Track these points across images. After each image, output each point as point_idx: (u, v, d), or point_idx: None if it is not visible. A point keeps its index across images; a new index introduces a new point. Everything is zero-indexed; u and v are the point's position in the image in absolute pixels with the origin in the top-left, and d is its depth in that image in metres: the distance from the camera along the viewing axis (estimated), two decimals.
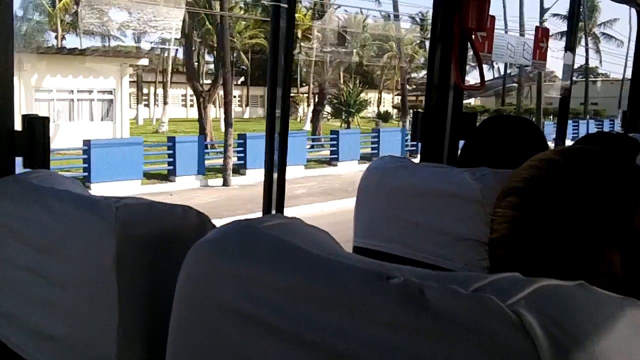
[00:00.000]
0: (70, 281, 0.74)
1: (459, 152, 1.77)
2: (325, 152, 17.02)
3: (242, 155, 14.04)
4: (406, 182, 1.42)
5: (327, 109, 25.96)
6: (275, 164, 1.85)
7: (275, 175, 1.85)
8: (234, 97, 36.56)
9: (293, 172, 13.09)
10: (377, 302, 0.44)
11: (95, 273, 0.70)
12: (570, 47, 2.99)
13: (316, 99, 24.26)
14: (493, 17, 2.15)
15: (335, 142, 16.25)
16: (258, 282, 0.51)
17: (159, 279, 0.70)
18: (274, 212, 1.76)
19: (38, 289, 0.78)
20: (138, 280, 0.69)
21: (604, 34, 38.22)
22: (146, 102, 33.82)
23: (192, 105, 33.31)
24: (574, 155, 0.63)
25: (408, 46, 37.34)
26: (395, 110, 37.67)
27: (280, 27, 1.76)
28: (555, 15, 35.89)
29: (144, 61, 24.17)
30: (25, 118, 1.06)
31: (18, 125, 1.07)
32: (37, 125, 1.06)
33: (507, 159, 1.34)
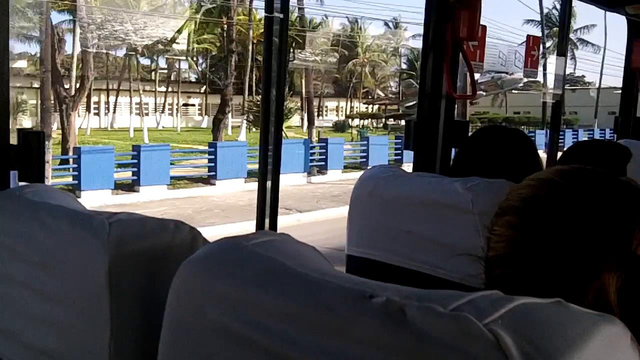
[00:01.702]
0: (64, 297, 0.75)
1: (452, 161, 1.79)
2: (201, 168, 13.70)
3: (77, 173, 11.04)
4: (398, 192, 1.43)
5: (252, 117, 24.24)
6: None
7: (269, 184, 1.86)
8: (192, 105, 35.62)
9: (151, 193, 11.49)
10: (359, 321, 0.45)
11: (87, 289, 0.71)
12: (561, 53, 3.01)
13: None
14: (484, 27, 2.17)
15: (213, 157, 13.20)
16: (245, 301, 0.52)
17: (151, 294, 0.71)
18: (267, 222, 1.77)
19: (32, 304, 0.79)
20: (130, 296, 0.70)
21: (580, 39, 37.27)
22: (96, 111, 33.04)
23: (147, 114, 32.33)
24: (572, 176, 0.64)
25: (376, 53, 36.85)
26: (363, 120, 36.64)
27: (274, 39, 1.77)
28: (529, 21, 35.37)
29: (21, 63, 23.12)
30: (21, 132, 1.07)
31: (13, 140, 1.08)
32: (32, 139, 1.07)
33: (499, 169, 1.36)
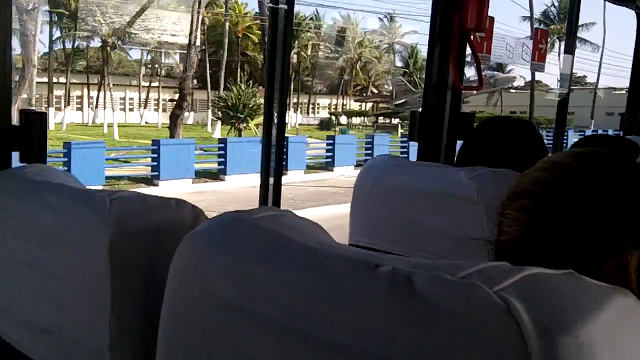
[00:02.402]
0: (64, 274, 0.74)
1: (457, 153, 1.77)
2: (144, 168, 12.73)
3: None
4: (402, 181, 1.42)
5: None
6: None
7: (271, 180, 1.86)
8: (173, 100, 35.28)
9: None
10: (365, 291, 0.44)
11: (88, 266, 0.70)
12: (569, 51, 2.99)
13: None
14: (492, 18, 2.16)
15: (156, 155, 12.18)
16: (249, 274, 0.52)
17: (152, 272, 0.70)
18: None
19: (32, 282, 0.78)
20: (131, 273, 0.70)
21: (578, 37, 36.76)
22: (79, 106, 32.61)
23: (131, 109, 31.91)
24: (588, 158, 0.62)
25: (368, 49, 36.13)
26: (356, 118, 35.88)
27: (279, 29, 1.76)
28: (526, 18, 34.45)
29: None
30: (23, 113, 1.07)
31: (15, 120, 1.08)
32: (35, 120, 1.07)
33: (505, 161, 1.34)
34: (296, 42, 32.43)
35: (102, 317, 0.69)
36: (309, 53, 33.64)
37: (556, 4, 36.97)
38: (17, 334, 0.82)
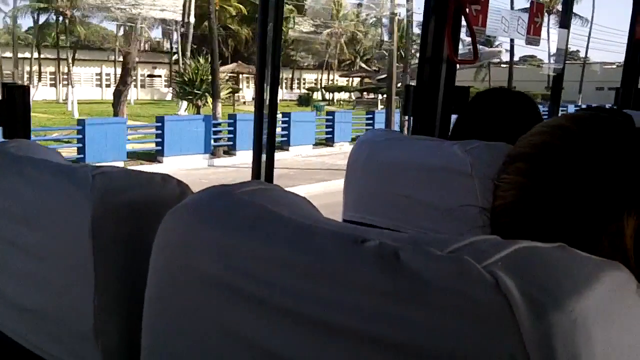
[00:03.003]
0: (47, 252, 0.72)
1: (451, 126, 1.75)
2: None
3: None
4: (396, 156, 1.40)
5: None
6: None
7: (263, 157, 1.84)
8: (159, 76, 33.94)
9: None
10: (352, 266, 0.43)
11: (71, 243, 0.68)
12: (564, 25, 2.96)
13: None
14: None
15: (81, 136, 11.28)
16: (234, 249, 0.50)
17: (136, 248, 0.68)
18: None
19: (14, 261, 0.76)
20: (114, 250, 0.68)
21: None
22: (52, 82, 31.77)
23: (108, 85, 30.94)
24: (586, 122, 0.61)
25: (353, 23, 35.29)
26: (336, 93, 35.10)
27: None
28: None
29: None
30: (5, 86, 1.04)
31: None
32: (17, 94, 1.04)
33: (502, 133, 1.32)
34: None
35: (86, 295, 0.67)
36: (289, 26, 32.98)
37: None
38: (0, 314, 0.80)
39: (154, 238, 0.58)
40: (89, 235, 0.66)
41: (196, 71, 17.45)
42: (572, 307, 0.36)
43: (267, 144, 1.81)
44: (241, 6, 32.77)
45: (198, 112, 16.66)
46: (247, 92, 32.97)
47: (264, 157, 1.83)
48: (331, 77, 38.50)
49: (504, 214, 0.62)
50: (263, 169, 1.80)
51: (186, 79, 17.42)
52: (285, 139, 15.12)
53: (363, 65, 38.12)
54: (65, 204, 0.69)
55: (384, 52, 35.77)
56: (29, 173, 0.77)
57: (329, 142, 16.44)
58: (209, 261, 0.51)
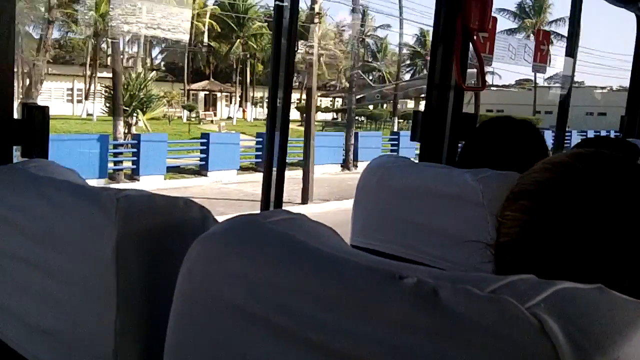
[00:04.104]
0: (68, 273, 0.72)
1: (458, 153, 1.76)
2: None
3: None
4: (406, 182, 1.40)
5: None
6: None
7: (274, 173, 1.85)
8: None
9: None
10: (389, 302, 0.42)
11: (94, 265, 0.69)
12: (570, 54, 2.98)
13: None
14: (495, 18, 2.15)
15: None
16: (263, 279, 0.50)
17: (159, 273, 0.68)
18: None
19: (34, 282, 0.76)
20: (137, 274, 0.68)
21: (555, 32, 34.22)
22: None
23: (79, 101, 30.11)
24: (588, 159, 0.61)
25: (332, 42, 34.54)
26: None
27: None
28: (501, 10, 33.45)
29: None
30: (25, 106, 1.05)
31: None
32: (37, 114, 1.05)
33: (508, 161, 1.33)
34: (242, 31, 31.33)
35: (107, 319, 0.67)
36: (263, 44, 32.39)
37: None
38: (16, 335, 0.80)
39: (177, 263, 0.58)
40: (112, 259, 0.66)
41: (126, 85, 15.96)
42: (617, 355, 0.36)
43: (277, 164, 1.82)
44: (214, 22, 32.55)
45: (129, 131, 15.15)
46: (225, 110, 32.53)
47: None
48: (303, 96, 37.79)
49: (508, 251, 0.62)
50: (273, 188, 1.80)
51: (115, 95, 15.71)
52: (203, 163, 13.52)
53: (347, 84, 37.70)
54: (89, 226, 0.70)
55: (359, 72, 35.64)
56: (51, 194, 0.77)
57: (258, 166, 14.49)
58: (237, 291, 0.51)
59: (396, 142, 19.06)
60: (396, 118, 28.91)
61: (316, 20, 13.40)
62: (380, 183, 1.45)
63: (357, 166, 16.99)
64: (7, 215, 0.82)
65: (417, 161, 1.78)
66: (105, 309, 0.67)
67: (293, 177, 13.18)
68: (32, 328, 0.76)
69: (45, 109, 1.05)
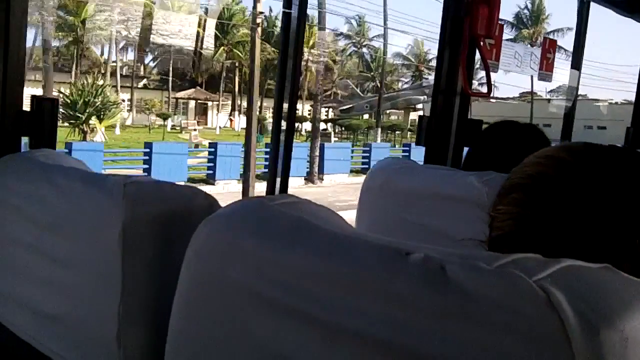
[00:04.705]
0: (74, 259, 0.72)
1: (463, 157, 1.76)
2: None
3: None
4: (411, 184, 1.40)
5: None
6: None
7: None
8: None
9: None
10: (396, 278, 0.42)
11: (99, 251, 0.69)
12: (575, 66, 2.99)
13: None
14: (502, 25, 2.16)
15: None
16: (270, 259, 0.50)
17: (164, 259, 0.68)
18: None
19: (41, 268, 0.77)
20: (142, 260, 0.68)
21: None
22: None
23: None
24: (580, 152, 0.62)
25: (326, 51, 34.59)
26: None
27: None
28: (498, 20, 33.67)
29: None
30: (35, 98, 1.06)
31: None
32: (46, 106, 1.06)
33: (513, 165, 1.33)
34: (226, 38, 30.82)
35: (111, 304, 0.67)
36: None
37: (529, 6, 35.58)
38: (22, 321, 0.80)
39: (182, 249, 0.58)
40: (118, 244, 0.67)
41: (80, 92, 15.25)
42: (624, 326, 0.36)
43: (282, 171, 1.82)
44: (200, 30, 32.13)
45: (84, 139, 14.59)
46: (216, 119, 31.88)
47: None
48: (305, 106, 37.22)
49: (501, 245, 0.62)
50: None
51: (68, 101, 15.08)
52: (145, 174, 12.22)
53: (345, 93, 36.92)
54: (95, 212, 0.70)
55: (348, 81, 34.74)
56: (59, 181, 0.78)
57: (209, 179, 13.66)
58: (244, 271, 0.51)
59: (368, 155, 17.50)
60: (379, 129, 27.65)
61: (259, 20, 12.33)
62: (384, 186, 1.45)
63: (322, 179, 15.76)
64: (15, 203, 0.83)
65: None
66: (110, 294, 0.67)
67: (258, 190, 12.34)
68: (38, 314, 0.77)
69: (54, 101, 1.06)
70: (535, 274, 0.38)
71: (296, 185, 14.56)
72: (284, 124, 1.85)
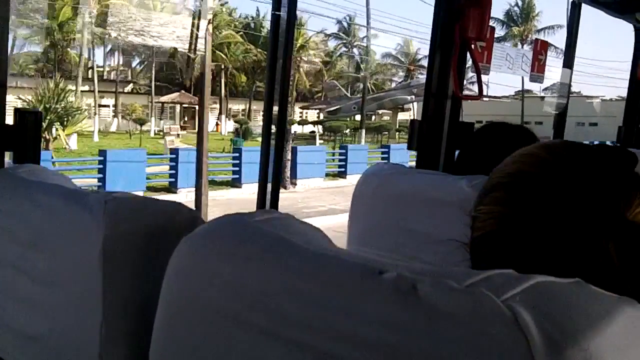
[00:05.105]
0: (55, 278, 0.71)
1: (455, 160, 1.76)
2: None
3: None
4: (402, 189, 1.40)
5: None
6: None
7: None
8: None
9: None
10: (368, 298, 0.42)
11: (80, 269, 0.68)
12: (567, 65, 3.00)
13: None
14: (492, 28, 2.15)
15: None
16: (247, 278, 0.50)
17: (146, 276, 0.68)
18: None
19: (22, 287, 0.76)
20: (124, 277, 0.67)
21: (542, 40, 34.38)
22: None
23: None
24: (557, 149, 0.62)
25: (313, 52, 33.56)
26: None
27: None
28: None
29: None
30: (17, 112, 1.04)
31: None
32: (29, 120, 1.04)
33: None
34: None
35: (93, 324, 0.66)
36: (237, 53, 31.23)
37: (519, 3, 35.40)
38: (3, 341, 0.79)
39: (164, 266, 0.57)
40: (98, 262, 0.66)
41: (41, 97, 14.55)
42: (588, 345, 0.36)
43: (273, 175, 1.81)
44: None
45: (47, 147, 13.77)
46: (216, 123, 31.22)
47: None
48: (294, 109, 36.50)
49: (484, 245, 0.62)
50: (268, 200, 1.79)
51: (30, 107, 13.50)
52: (100, 183, 11.72)
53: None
54: (76, 229, 0.69)
55: (334, 82, 33.94)
56: (40, 198, 0.77)
57: (172, 187, 13.06)
58: (221, 291, 0.51)
59: (344, 157, 16.95)
60: (363, 130, 27.30)
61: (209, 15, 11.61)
62: (376, 191, 1.45)
63: (295, 184, 15.09)
64: None
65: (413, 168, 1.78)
66: (91, 313, 0.66)
67: (216, 199, 12.04)
68: (19, 334, 0.76)
69: (38, 114, 1.05)
70: (504, 292, 0.38)
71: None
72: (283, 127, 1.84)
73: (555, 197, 0.58)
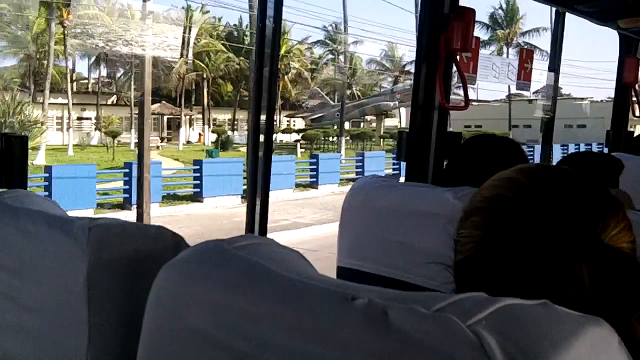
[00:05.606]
0: (41, 305, 0.72)
1: (443, 170, 1.78)
2: None
3: None
4: (390, 202, 1.42)
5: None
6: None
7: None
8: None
9: None
10: (340, 324, 0.43)
11: (65, 296, 0.68)
12: (552, 69, 3.03)
13: None
14: (478, 38, 2.18)
15: None
16: (225, 304, 0.51)
17: (131, 301, 0.68)
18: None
19: (7, 314, 0.76)
20: (109, 304, 0.68)
21: (527, 44, 33.96)
22: None
23: None
24: (534, 173, 0.64)
25: (297, 59, 32.97)
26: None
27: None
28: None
29: None
30: (3, 136, 1.05)
31: None
32: (15, 144, 1.05)
33: (489, 178, 1.35)
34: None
35: (79, 349, 0.67)
36: (218, 62, 30.75)
37: (504, 6, 35.39)
38: None
39: (148, 290, 0.58)
40: (84, 288, 0.66)
41: None
42: None
43: (261, 189, 1.82)
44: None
45: None
46: (191, 134, 30.94)
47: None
48: (280, 118, 34.63)
49: (465, 268, 0.63)
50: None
51: None
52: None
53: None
54: (61, 256, 0.70)
55: (317, 89, 33.68)
56: (26, 225, 0.77)
57: (126, 203, 12.34)
58: (201, 317, 0.52)
59: (315, 167, 16.36)
60: (342, 138, 26.79)
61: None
62: (364, 203, 1.46)
63: None
64: None
65: (401, 181, 1.79)
66: (77, 339, 0.67)
67: (174, 215, 11.51)
68: None
69: (24, 139, 1.06)
70: (470, 317, 0.39)
71: (230, 205, 13.32)
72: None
73: (531, 222, 0.59)
